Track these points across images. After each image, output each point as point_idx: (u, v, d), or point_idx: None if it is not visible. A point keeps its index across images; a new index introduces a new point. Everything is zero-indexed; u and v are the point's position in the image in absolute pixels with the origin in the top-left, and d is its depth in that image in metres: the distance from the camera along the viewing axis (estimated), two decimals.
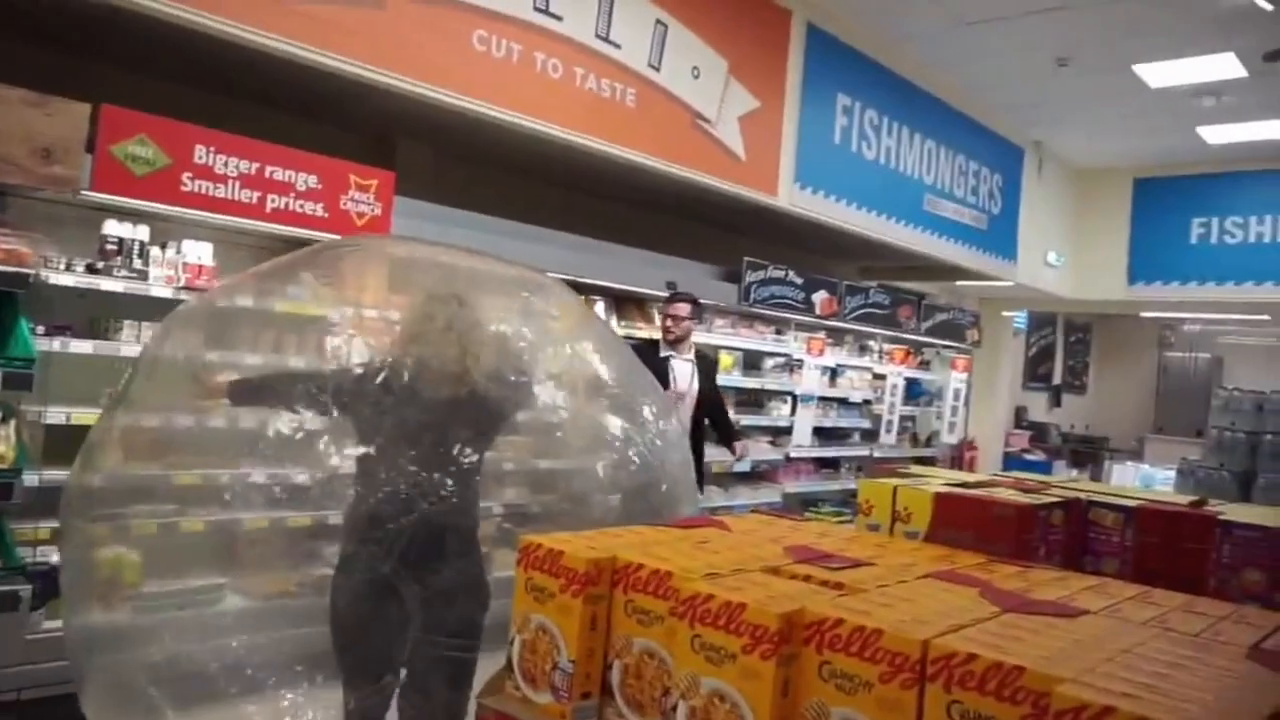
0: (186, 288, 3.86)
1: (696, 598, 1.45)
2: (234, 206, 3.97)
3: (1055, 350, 15.76)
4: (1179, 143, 9.58)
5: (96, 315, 3.89)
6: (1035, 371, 15.23)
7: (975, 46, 7.35)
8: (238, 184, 3.96)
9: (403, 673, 2.86)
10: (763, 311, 7.00)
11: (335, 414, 2.74)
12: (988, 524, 2.20)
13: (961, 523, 2.25)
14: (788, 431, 7.45)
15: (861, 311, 7.96)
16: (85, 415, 3.51)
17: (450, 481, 2.73)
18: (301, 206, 4.14)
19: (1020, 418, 14.48)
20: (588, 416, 3.23)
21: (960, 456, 10.06)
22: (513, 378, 2.99)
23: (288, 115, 4.98)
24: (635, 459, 3.12)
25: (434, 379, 2.77)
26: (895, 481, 2.46)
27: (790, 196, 6.63)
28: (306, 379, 2.86)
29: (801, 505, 8.05)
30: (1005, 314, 12.57)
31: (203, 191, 3.87)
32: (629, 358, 3.47)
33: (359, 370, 2.78)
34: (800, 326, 7.58)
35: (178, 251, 3.96)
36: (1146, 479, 10.51)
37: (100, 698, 2.68)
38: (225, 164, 3.92)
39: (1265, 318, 12.18)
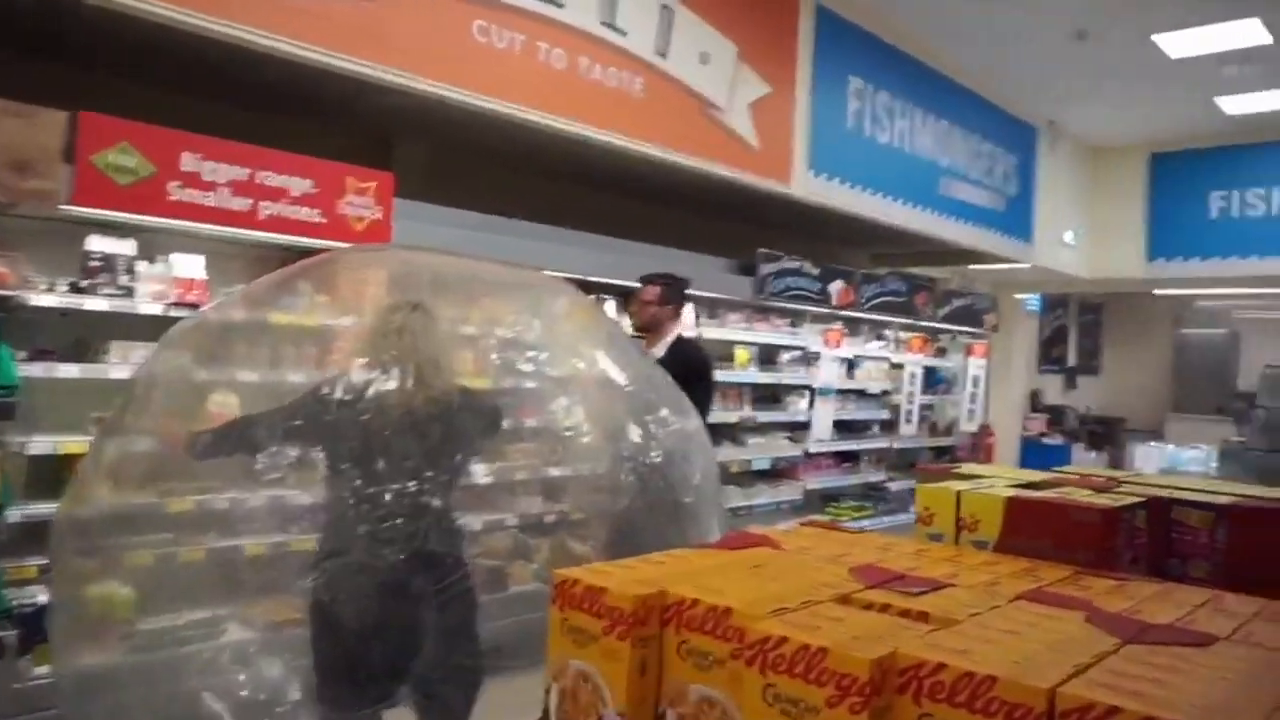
0: (178, 304, 3.66)
1: (767, 641, 1.26)
2: (225, 215, 3.77)
3: (1068, 332, 15.53)
4: (1196, 115, 9.35)
5: (82, 337, 3.70)
6: (1049, 354, 15.02)
7: (989, 22, 7.13)
8: (228, 191, 3.75)
9: (402, 691, 2.71)
10: (778, 304, 6.78)
11: (310, 440, 2.69)
12: (1067, 530, 2.03)
13: (1037, 530, 2.07)
14: (806, 426, 7.25)
15: (879, 300, 7.75)
16: (73, 444, 3.34)
17: (444, 479, 2.67)
18: (297, 213, 3.93)
19: (1035, 401, 14.25)
20: (603, 420, 3.09)
21: (978, 443, 9.85)
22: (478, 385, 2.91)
23: (276, 118, 4.75)
24: (655, 462, 2.99)
25: (397, 389, 2.67)
26: (958, 486, 2.26)
27: (804, 184, 6.40)
28: (266, 417, 2.76)
29: (822, 501, 7.87)
30: (1018, 297, 12.36)
31: (191, 201, 3.67)
32: (644, 359, 3.35)
33: (324, 390, 2.70)
34: (816, 318, 7.37)
35: (167, 266, 3.75)
36: (1173, 460, 10.30)
37: None
38: (214, 170, 3.71)
39: None
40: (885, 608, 1.43)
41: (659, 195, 6.65)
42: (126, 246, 3.66)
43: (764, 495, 6.99)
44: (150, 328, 3.46)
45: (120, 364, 3.55)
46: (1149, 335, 16.08)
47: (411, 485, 2.59)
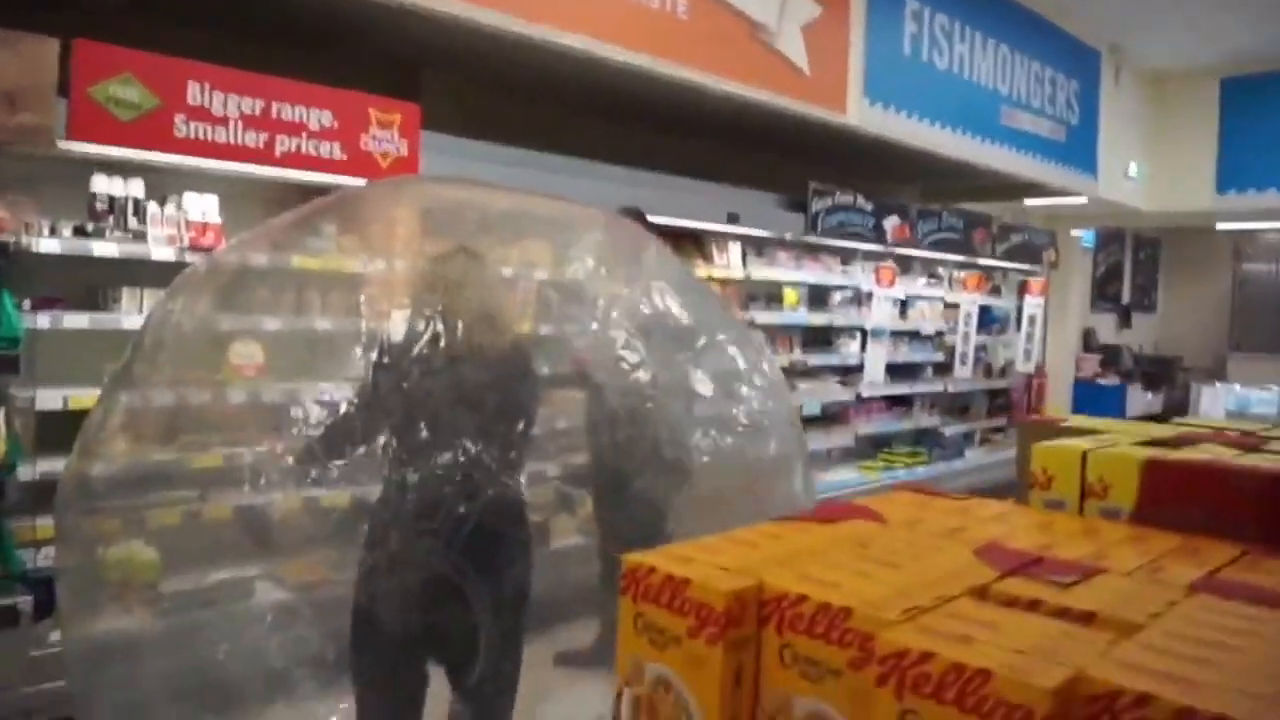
0: (192, 248, 3.41)
1: (904, 656, 1.01)
2: (238, 152, 3.48)
3: (1123, 268, 14.96)
4: (1272, 34, 8.70)
5: (91, 284, 3.48)
6: (1103, 292, 14.47)
7: None
8: (240, 126, 3.45)
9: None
10: (831, 242, 6.41)
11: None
12: (1225, 498, 1.74)
13: (1184, 498, 1.77)
14: (858, 370, 6.92)
15: (936, 237, 7.34)
16: (84, 398, 3.13)
17: (510, 456, 2.39)
18: (316, 148, 3.63)
19: (1089, 341, 13.76)
20: (669, 369, 2.84)
21: (1030, 385, 9.47)
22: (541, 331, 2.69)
23: (290, 50, 4.37)
24: (738, 415, 2.81)
25: (461, 342, 2.41)
26: (1082, 445, 1.95)
27: (860, 114, 5.98)
28: (350, 409, 2.50)
29: (874, 447, 7.58)
30: (1074, 233, 11.83)
31: (200, 136, 3.38)
32: (713, 301, 3.08)
33: (385, 359, 2.46)
34: (868, 256, 6.99)
35: (178, 207, 3.49)
36: (1240, 402, 9.85)
37: None
38: (224, 103, 3.42)
39: None
40: (1035, 604, 1.16)
41: (702, 127, 6.25)
42: (134, 187, 3.41)
43: (815, 441, 6.68)
44: (163, 274, 3.24)
45: (133, 313, 3.33)
46: (1208, 271, 15.46)
47: (464, 460, 2.31)
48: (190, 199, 3.50)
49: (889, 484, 6.95)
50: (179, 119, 3.33)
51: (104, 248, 3.30)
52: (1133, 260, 15.21)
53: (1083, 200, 9.44)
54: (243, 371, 3.31)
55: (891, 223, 6.76)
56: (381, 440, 2.38)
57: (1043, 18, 8.01)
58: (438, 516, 2.28)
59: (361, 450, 2.39)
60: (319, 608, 2.68)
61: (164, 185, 3.55)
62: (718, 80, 4.97)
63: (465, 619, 2.35)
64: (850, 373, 7.00)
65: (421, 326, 2.41)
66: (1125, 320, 15.07)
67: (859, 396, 7.03)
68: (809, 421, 6.81)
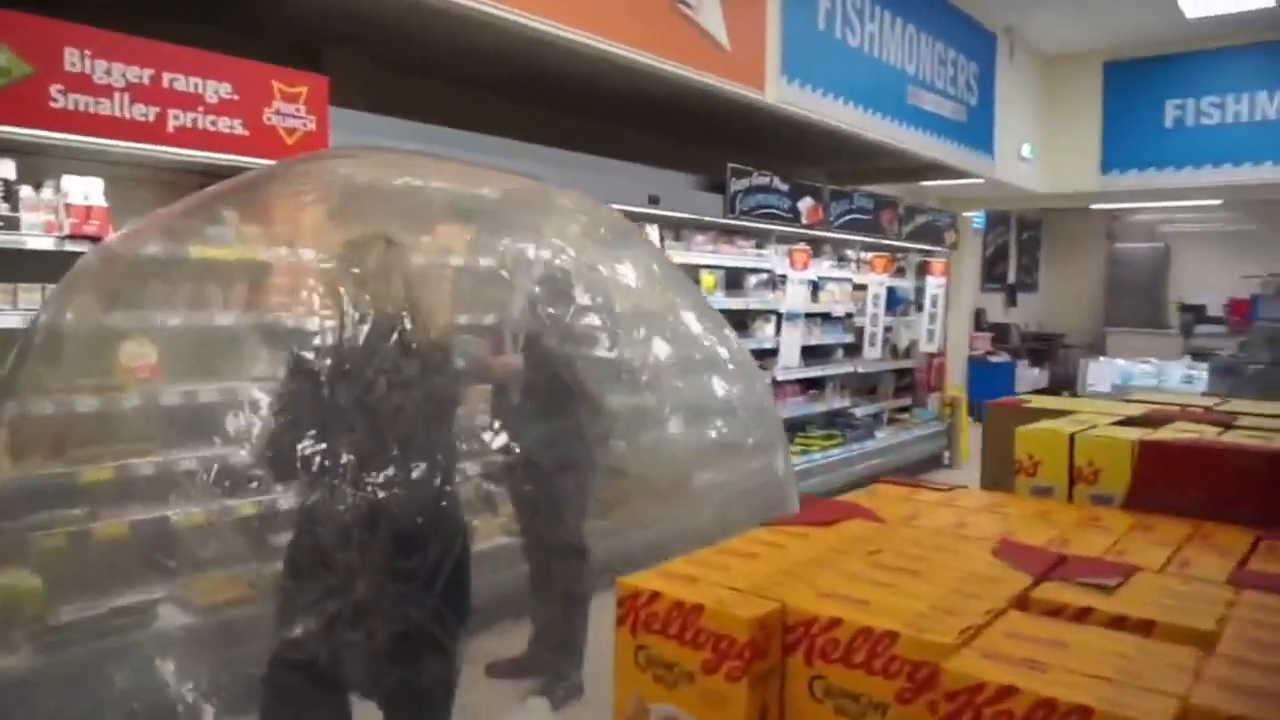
0: (73, 236, 3.06)
1: (978, 691, 0.88)
2: (125, 127, 3.13)
3: (1009, 249, 15.49)
4: (1154, 20, 9.06)
5: None
6: (991, 271, 14.95)
7: None
8: (127, 97, 3.10)
9: None
10: (749, 224, 6.33)
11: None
12: (1223, 481, 1.73)
13: (1180, 481, 1.75)
14: (774, 354, 6.88)
15: (847, 218, 7.35)
16: None
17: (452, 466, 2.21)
18: (214, 124, 3.31)
19: (980, 320, 14.21)
20: (633, 347, 2.76)
21: (931, 364, 9.67)
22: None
23: (180, 22, 4.03)
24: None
25: (394, 344, 2.19)
26: (1068, 427, 1.92)
27: (779, 92, 5.88)
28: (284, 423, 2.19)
29: (788, 431, 7.55)
30: (966, 214, 12.12)
31: (80, 109, 3.02)
32: (674, 273, 3.00)
33: (306, 359, 2.20)
34: (781, 238, 6.94)
35: (57, 190, 3.12)
36: (1125, 375, 10.27)
37: None
38: (108, 72, 3.06)
39: (1216, 202, 11.93)
40: (1086, 612, 1.09)
41: (616, 106, 6.07)
42: (4, 168, 3.02)
43: None
44: (41, 265, 2.92)
45: (8, 309, 2.97)
46: (1084, 251, 16.17)
47: (436, 485, 2.12)
48: (70, 181, 3.13)
49: (807, 466, 6.96)
50: (55, 89, 2.96)
51: None
52: (1017, 241, 15.74)
53: (979, 181, 9.65)
54: (136, 374, 3.04)
55: (806, 204, 6.71)
56: (329, 461, 2.10)
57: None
58: (414, 556, 2.08)
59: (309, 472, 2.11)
60: (230, 631, 2.49)
61: (40, 166, 3.18)
62: (639, 54, 4.78)
63: (445, 674, 2.16)
64: (765, 357, 6.95)
65: (346, 324, 2.17)
66: (1011, 299, 15.61)
67: (775, 380, 7.00)
68: None
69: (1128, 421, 2.01)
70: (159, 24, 3.73)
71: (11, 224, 3.00)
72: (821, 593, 1.11)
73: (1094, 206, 12.71)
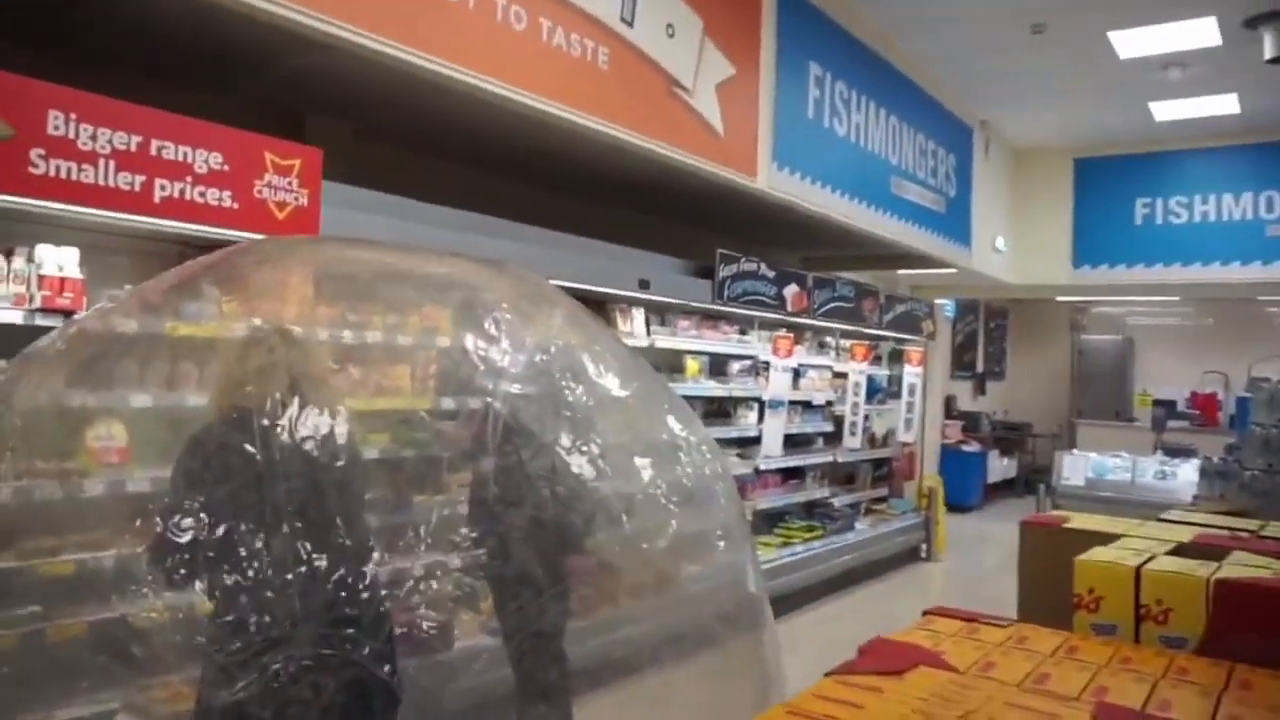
0: (45, 309, 2.84)
1: None
2: (108, 195, 2.95)
3: (978, 337, 15.62)
4: (1125, 120, 9.33)
5: None
6: (961, 359, 15.02)
7: (945, 10, 6.77)
8: (112, 165, 2.93)
9: None
10: (735, 310, 6.23)
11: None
12: None
13: (1264, 624, 1.60)
14: (755, 442, 6.71)
15: (830, 306, 7.30)
16: None
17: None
18: (202, 195, 3.13)
19: (950, 408, 14.20)
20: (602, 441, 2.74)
21: (905, 453, 9.57)
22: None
23: (164, 89, 3.84)
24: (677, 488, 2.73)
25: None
26: (1131, 559, 1.78)
27: (769, 179, 5.85)
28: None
29: (766, 521, 7.37)
30: (938, 302, 12.22)
31: (62, 175, 2.84)
32: (639, 367, 3.06)
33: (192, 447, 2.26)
34: (764, 325, 6.85)
35: (29, 260, 2.91)
36: (1098, 469, 10.27)
37: None
38: (94, 137, 2.88)
39: (1175, 298, 12.13)
40: None
41: (608, 187, 6.00)
42: None
43: None
44: (9, 340, 2.68)
45: None
46: (1050, 341, 16.34)
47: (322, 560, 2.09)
48: (44, 251, 2.92)
49: (790, 560, 6.75)
50: (36, 154, 2.78)
51: None
52: (985, 329, 15.89)
53: (953, 271, 9.71)
54: (102, 457, 2.82)
55: (791, 291, 6.65)
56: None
57: (925, 91, 8.23)
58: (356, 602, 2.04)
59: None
60: None
61: (13, 233, 2.97)
62: (637, 136, 4.71)
63: None
64: (748, 445, 6.79)
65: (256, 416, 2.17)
66: (980, 388, 15.67)
67: (757, 470, 6.83)
68: None
69: (1180, 550, 1.89)
70: (140, 87, 3.57)
71: None
72: None
73: (1058, 299, 12.86)
